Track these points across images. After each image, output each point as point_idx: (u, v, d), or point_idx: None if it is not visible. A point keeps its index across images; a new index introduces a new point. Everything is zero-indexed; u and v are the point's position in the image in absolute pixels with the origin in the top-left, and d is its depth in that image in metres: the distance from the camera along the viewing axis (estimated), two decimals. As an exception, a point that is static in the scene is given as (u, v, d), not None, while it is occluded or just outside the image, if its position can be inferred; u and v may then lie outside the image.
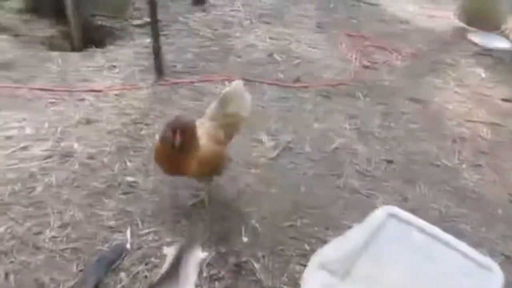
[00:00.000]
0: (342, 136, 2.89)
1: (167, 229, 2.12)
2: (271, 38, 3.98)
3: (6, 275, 1.89)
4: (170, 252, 1.80)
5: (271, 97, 3.19)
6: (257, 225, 2.19)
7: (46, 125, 2.68)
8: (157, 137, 2.33)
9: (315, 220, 2.25)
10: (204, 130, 2.10)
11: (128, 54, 3.49)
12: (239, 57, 3.62)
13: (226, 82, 3.19)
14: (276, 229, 2.20)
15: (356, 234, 1.58)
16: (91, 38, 3.66)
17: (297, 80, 3.42)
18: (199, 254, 1.80)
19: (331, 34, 4.20)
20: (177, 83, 3.21)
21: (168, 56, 3.46)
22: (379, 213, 1.66)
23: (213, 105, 2.24)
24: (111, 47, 3.57)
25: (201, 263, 1.81)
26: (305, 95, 3.27)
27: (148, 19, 3.25)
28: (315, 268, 1.46)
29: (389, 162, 2.73)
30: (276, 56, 3.70)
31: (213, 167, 2.17)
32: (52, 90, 2.97)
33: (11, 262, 1.94)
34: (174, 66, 3.42)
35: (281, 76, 3.44)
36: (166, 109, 2.92)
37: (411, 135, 3.00)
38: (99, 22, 3.85)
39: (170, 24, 3.99)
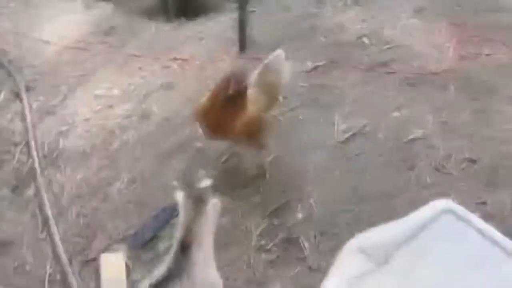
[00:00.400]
0: (422, 127, 2.70)
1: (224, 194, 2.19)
2: (363, 20, 3.81)
3: (77, 215, 2.09)
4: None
5: (352, 81, 3.08)
6: (314, 204, 2.16)
7: (132, 87, 2.88)
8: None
9: (375, 209, 2.14)
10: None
11: (217, 26, 3.57)
12: (326, 37, 3.54)
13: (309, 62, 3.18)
14: (333, 211, 2.14)
15: (404, 224, 1.47)
16: (186, 10, 3.83)
17: (383, 65, 3.26)
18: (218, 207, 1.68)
19: (429, 20, 3.90)
20: (257, 58, 3.24)
21: (254, 31, 3.49)
22: (435, 205, 1.53)
23: (255, 73, 2.29)
24: (201, 20, 3.68)
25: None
26: (390, 82, 3.10)
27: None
28: (353, 250, 1.40)
29: (472, 161, 2.49)
30: (365, 40, 3.55)
31: (254, 131, 2.20)
32: (141, 56, 3.16)
33: (82, 206, 2.13)
34: (258, 41, 3.45)
35: (367, 59, 3.31)
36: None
37: (504, 137, 2.71)
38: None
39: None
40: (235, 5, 3.79)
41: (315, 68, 3.12)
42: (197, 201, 1.58)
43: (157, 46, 3.31)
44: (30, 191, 2.25)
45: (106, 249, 1.98)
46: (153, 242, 1.85)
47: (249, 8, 3.57)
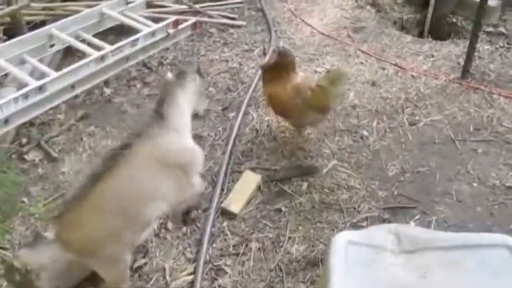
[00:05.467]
0: None
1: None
2: None
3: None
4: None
5: None
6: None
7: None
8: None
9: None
10: (298, 81, 2.65)
11: (455, 50, 3.69)
12: None
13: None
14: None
15: (454, 236, 1.66)
16: (437, 31, 4.05)
17: None
18: (191, 82, 2.08)
19: None
20: (473, 87, 3.25)
21: (483, 62, 3.49)
22: (493, 237, 1.56)
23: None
24: (447, 42, 3.87)
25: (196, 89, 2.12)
26: None
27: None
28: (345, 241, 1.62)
29: None
30: None
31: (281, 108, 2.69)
32: (368, 54, 3.63)
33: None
34: (487, 73, 3.42)
35: None
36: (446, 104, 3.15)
37: None
38: (454, 19, 4.13)
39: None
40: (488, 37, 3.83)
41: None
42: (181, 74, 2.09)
43: (389, 50, 3.71)
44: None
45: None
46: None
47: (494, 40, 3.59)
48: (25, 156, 2.78)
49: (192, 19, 3.51)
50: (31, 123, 2.98)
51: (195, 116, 2.24)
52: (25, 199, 2.53)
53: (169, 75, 2.07)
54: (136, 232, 1.90)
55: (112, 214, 1.78)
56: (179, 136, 1.97)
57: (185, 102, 2.03)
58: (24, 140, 2.87)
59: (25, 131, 2.94)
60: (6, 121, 2.58)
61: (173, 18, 3.34)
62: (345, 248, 1.59)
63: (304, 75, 2.78)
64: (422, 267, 1.60)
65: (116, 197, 1.79)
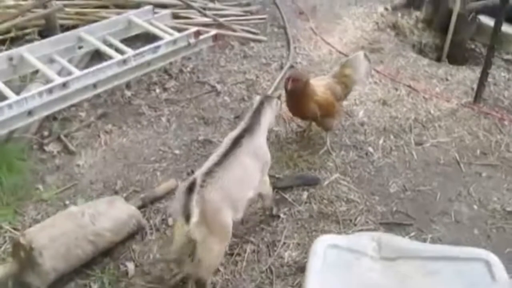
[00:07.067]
0: None
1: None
2: None
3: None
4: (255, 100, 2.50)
5: None
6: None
7: (355, 95, 3.46)
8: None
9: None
10: (324, 82, 2.83)
11: (470, 75, 3.72)
12: None
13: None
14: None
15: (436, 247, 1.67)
16: (455, 56, 4.08)
17: None
18: (275, 105, 2.52)
19: None
20: (484, 112, 3.26)
21: (498, 88, 3.50)
22: (477, 251, 1.60)
23: (337, 67, 2.94)
24: (463, 67, 3.90)
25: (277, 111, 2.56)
26: None
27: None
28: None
29: None
30: None
31: (326, 111, 2.82)
32: (381, 73, 3.70)
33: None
34: (501, 99, 3.43)
35: None
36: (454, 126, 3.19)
37: None
38: (472, 46, 4.16)
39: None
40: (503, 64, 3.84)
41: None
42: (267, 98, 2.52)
43: (404, 71, 3.77)
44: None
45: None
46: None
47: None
48: (45, 148, 2.95)
49: (213, 31, 3.67)
50: (54, 118, 3.17)
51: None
52: (40, 186, 2.69)
53: (257, 97, 2.53)
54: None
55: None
56: (264, 141, 2.42)
57: (271, 117, 2.50)
58: (45, 133, 3.06)
59: (48, 124, 3.13)
60: (30, 112, 2.77)
61: (194, 28, 3.51)
62: (325, 250, 1.65)
63: (317, 81, 2.91)
64: (399, 274, 1.65)
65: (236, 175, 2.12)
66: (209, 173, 2.02)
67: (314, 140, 3.06)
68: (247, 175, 2.23)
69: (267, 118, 2.45)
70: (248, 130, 2.31)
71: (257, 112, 2.42)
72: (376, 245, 1.71)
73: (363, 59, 2.95)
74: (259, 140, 2.35)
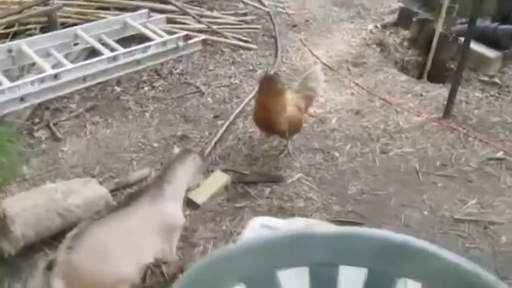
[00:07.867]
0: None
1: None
2: None
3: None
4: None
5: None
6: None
7: (335, 100, 3.66)
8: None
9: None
10: (290, 98, 2.93)
11: (445, 92, 3.89)
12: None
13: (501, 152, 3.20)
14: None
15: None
16: (434, 76, 4.26)
17: None
18: (198, 161, 2.33)
19: None
20: (452, 128, 3.43)
21: (469, 107, 3.68)
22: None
23: (297, 82, 3.10)
24: (439, 85, 4.07)
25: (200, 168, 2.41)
26: None
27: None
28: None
29: None
30: None
31: (295, 127, 2.98)
32: (359, 86, 3.89)
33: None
34: (470, 117, 3.59)
35: None
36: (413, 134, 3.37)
37: None
38: (452, 65, 4.33)
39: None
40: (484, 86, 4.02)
41: None
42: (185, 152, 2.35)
43: (382, 85, 3.95)
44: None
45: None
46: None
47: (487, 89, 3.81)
48: (34, 133, 3.20)
49: (202, 36, 3.91)
50: (46, 108, 3.42)
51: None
52: (25, 167, 2.93)
53: (176, 150, 2.47)
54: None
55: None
56: (172, 205, 2.17)
57: (183, 176, 2.24)
58: (36, 120, 3.31)
59: (40, 113, 3.38)
60: (22, 99, 3.02)
61: (184, 32, 3.76)
62: (257, 229, 1.83)
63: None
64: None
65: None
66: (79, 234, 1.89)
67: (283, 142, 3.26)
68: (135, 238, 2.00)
69: (177, 179, 2.18)
70: (152, 192, 2.09)
71: (163, 174, 2.18)
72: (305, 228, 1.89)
73: (321, 72, 3.16)
74: (165, 205, 2.10)
